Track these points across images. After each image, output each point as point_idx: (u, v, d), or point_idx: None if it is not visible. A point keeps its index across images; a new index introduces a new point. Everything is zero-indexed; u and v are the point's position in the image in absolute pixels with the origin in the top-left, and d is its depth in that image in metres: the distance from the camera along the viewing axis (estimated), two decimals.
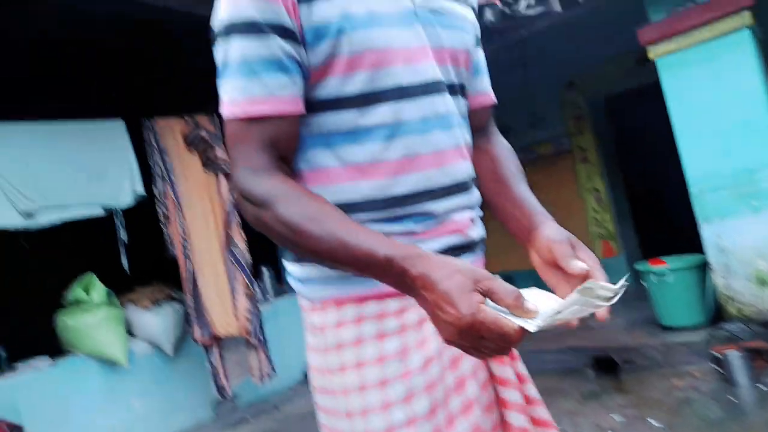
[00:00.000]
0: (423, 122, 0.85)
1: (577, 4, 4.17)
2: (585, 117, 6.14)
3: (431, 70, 0.86)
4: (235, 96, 0.80)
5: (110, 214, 3.63)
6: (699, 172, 3.95)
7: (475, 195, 0.96)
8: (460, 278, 0.66)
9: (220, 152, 4.12)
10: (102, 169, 3.52)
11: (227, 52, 0.81)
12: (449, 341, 0.68)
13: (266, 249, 5.36)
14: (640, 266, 4.31)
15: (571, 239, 0.84)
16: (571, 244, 0.83)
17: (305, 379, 4.86)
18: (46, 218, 3.23)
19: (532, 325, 0.64)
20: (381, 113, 0.83)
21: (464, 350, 0.69)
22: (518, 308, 0.65)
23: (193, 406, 4.13)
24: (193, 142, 3.99)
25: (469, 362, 0.86)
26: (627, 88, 5.86)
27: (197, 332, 3.80)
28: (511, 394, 0.88)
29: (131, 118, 3.84)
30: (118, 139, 3.63)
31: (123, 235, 3.53)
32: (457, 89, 0.93)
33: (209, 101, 5.24)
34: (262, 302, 4.53)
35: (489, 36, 4.79)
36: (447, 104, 0.89)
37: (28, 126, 3.27)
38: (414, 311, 0.83)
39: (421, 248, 0.74)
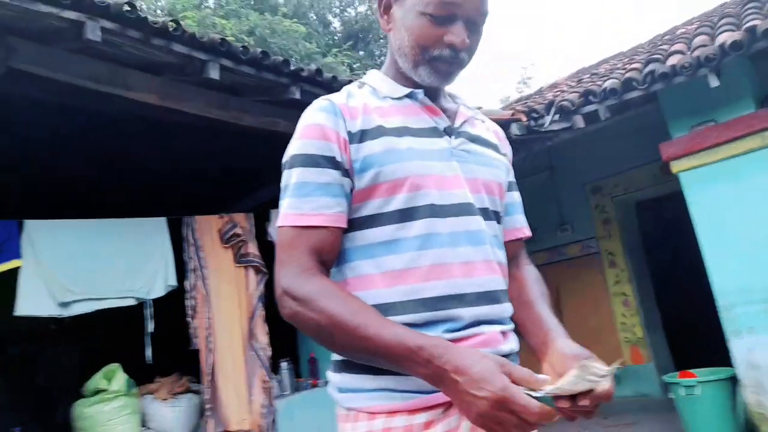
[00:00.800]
0: (452, 236, 0.99)
1: (599, 120, 4.35)
2: (613, 221, 6.17)
3: (462, 195, 1.02)
4: (291, 210, 0.99)
5: (140, 304, 3.77)
6: (726, 285, 3.90)
7: (506, 308, 1.05)
8: (489, 362, 0.80)
9: (252, 248, 4.29)
10: (140, 263, 3.71)
11: (290, 177, 1.02)
12: (480, 416, 0.78)
13: (287, 343, 5.42)
14: (669, 378, 4.16)
15: (582, 353, 0.93)
16: (582, 356, 0.91)
17: None
18: (79, 308, 3.39)
19: (542, 392, 0.77)
20: (416, 227, 0.98)
21: (490, 428, 0.78)
22: (532, 381, 0.78)
23: None
24: (228, 238, 4.19)
25: None
26: (655, 195, 5.92)
27: (212, 427, 3.77)
28: None
29: (172, 215, 4.10)
30: (158, 234, 3.84)
31: (150, 326, 3.63)
32: (491, 214, 1.08)
33: (244, 201, 5.54)
34: (279, 397, 4.49)
35: (516, 147, 5.00)
36: (478, 224, 1.03)
37: (78, 223, 3.52)
38: (439, 426, 0.91)
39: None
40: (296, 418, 4.76)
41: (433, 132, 1.05)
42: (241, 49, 3.40)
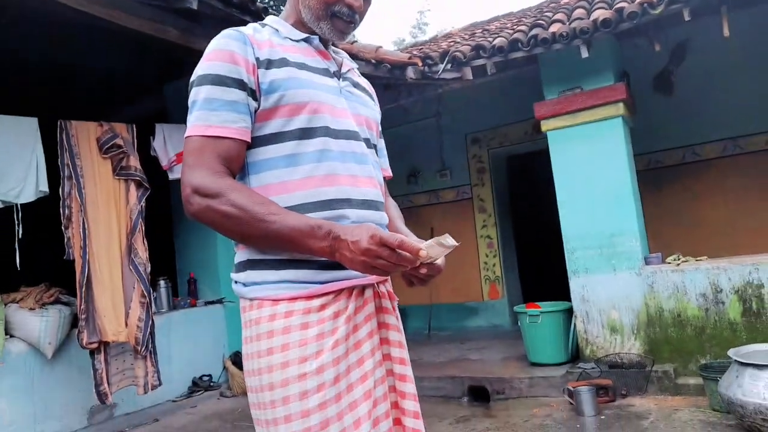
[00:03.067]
0: (341, 154, 1.18)
1: (486, 74, 4.69)
2: (486, 171, 6.74)
3: (349, 124, 1.23)
4: (200, 122, 1.12)
5: (8, 208, 3.51)
6: (571, 232, 4.55)
7: (383, 216, 1.28)
8: (367, 224, 1.09)
9: (133, 161, 4.12)
10: (7, 164, 3.42)
11: (198, 94, 1.14)
12: (362, 256, 0.99)
13: (165, 262, 5.35)
14: (518, 308, 4.81)
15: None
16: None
17: (189, 392, 4.84)
18: None
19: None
20: (313, 144, 1.16)
21: (371, 269, 1.00)
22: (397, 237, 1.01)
23: (66, 413, 3.97)
24: (107, 149, 3.98)
25: (368, 345, 1.15)
26: (527, 151, 6.54)
27: (85, 336, 3.71)
28: (396, 368, 1.23)
29: (47, 119, 3.78)
30: (28, 135, 3.55)
31: (19, 231, 3.42)
32: (371, 145, 1.31)
33: (125, 110, 5.21)
34: (156, 314, 4.49)
35: (410, 90, 5.23)
36: (362, 148, 1.24)
37: None
38: (331, 308, 1.11)
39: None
40: (173, 334, 4.81)
41: (326, 72, 1.24)
42: None
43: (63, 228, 3.73)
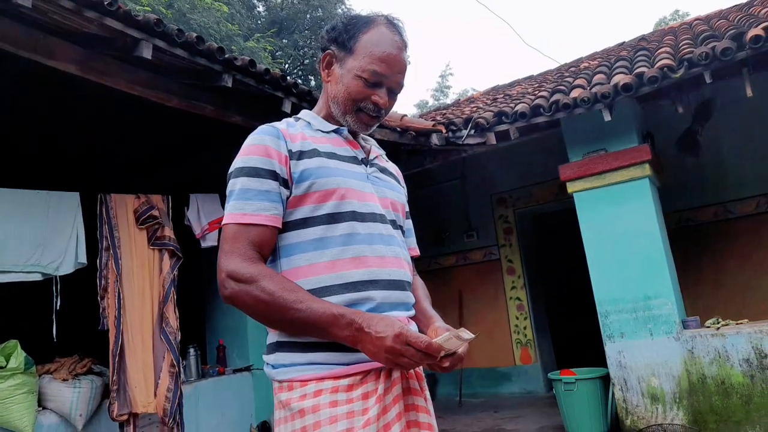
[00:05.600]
0: (369, 236, 1.24)
1: (509, 139, 4.77)
2: (513, 231, 6.71)
3: (376, 207, 1.29)
4: (236, 211, 1.21)
5: (48, 280, 3.63)
6: (604, 295, 4.45)
7: (409, 295, 1.32)
8: (391, 318, 1.10)
9: (168, 231, 4.24)
10: (50, 237, 3.56)
11: (235, 185, 1.23)
12: (386, 353, 1.04)
13: (195, 328, 5.38)
14: (552, 375, 4.65)
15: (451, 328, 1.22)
16: (451, 328, 1.20)
17: None
18: None
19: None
20: (341, 228, 1.21)
21: (393, 364, 1.05)
22: (421, 337, 1.05)
23: None
24: (143, 219, 4.12)
25: (398, 427, 1.16)
26: (553, 210, 6.52)
27: (116, 408, 3.71)
28: None
29: (87, 192, 3.96)
30: (70, 209, 3.71)
31: (57, 303, 3.51)
32: (397, 226, 1.37)
33: (159, 180, 5.41)
34: (185, 383, 4.48)
35: (434, 154, 5.34)
36: (388, 230, 1.30)
37: None
38: (360, 389, 1.14)
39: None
40: (201, 403, 4.77)
41: (354, 160, 1.33)
42: (176, 31, 3.38)
43: (99, 298, 3.82)
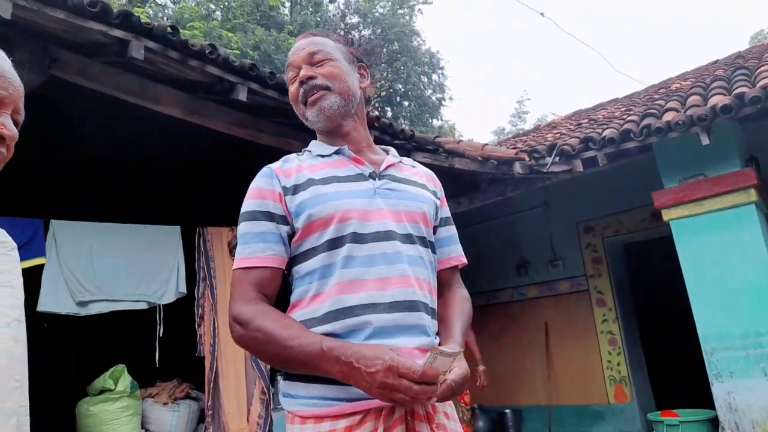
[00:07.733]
0: (369, 258, 1.19)
1: (597, 165, 4.60)
2: (603, 260, 6.39)
3: (383, 225, 1.23)
4: (238, 257, 1.24)
5: (151, 308, 3.90)
6: (709, 331, 4.11)
7: (422, 316, 1.21)
8: (380, 347, 1.04)
9: None
10: (154, 268, 3.85)
11: (238, 231, 1.27)
12: (379, 388, 0.98)
13: None
14: (653, 416, 4.33)
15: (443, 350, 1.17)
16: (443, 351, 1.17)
17: None
18: (96, 308, 3.51)
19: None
20: (341, 253, 1.18)
21: (389, 401, 0.99)
22: (412, 364, 0.99)
23: None
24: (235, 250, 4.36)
25: None
26: (645, 238, 6.16)
27: None
28: None
29: (187, 225, 4.25)
30: (172, 242, 4.00)
31: (160, 330, 3.76)
32: (414, 239, 1.27)
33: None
34: (275, 410, 4.60)
35: (516, 183, 5.24)
36: (395, 247, 1.22)
37: (99, 226, 3.67)
38: (358, 431, 1.09)
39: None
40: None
41: (359, 177, 1.29)
42: (268, 74, 3.59)
43: (196, 326, 4.04)
